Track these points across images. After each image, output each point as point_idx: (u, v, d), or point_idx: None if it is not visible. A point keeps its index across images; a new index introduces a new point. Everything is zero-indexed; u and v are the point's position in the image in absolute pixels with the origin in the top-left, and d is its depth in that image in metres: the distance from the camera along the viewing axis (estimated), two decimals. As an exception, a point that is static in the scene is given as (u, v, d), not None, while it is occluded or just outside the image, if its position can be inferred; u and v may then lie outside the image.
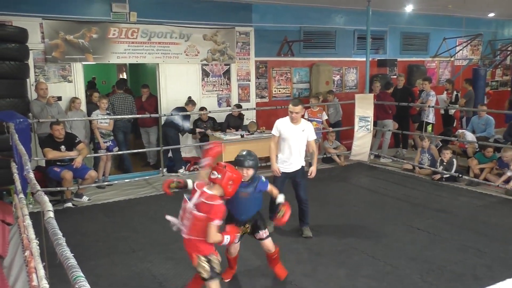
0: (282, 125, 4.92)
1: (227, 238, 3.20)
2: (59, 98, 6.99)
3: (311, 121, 8.68)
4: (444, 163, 7.57)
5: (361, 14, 9.55)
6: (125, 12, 7.71)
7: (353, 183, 7.74)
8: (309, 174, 4.98)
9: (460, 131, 8.65)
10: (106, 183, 7.37)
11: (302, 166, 5.00)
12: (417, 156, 8.25)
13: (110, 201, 6.64)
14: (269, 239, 3.86)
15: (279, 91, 9.76)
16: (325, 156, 8.98)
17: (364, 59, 9.14)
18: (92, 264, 4.36)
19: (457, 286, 3.90)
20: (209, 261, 3.14)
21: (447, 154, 7.56)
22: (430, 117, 9.00)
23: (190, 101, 8.10)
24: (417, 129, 9.41)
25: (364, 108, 8.68)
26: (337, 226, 5.50)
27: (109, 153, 7.38)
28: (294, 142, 4.86)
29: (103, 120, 7.26)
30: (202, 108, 8.33)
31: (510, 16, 12.52)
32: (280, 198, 3.78)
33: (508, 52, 12.34)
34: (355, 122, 8.79)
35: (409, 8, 10.11)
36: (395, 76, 10.76)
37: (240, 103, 8.88)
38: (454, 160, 7.56)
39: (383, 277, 4.10)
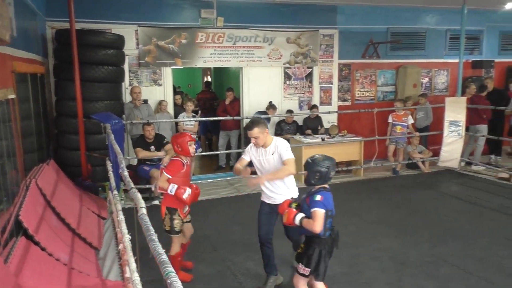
0: (251, 150, 4.01)
1: (172, 186, 3.82)
2: (145, 101, 7.38)
3: (395, 125, 8.40)
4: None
5: (455, 13, 8.99)
6: (213, 17, 7.96)
7: (442, 190, 7.29)
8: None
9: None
10: (191, 182, 7.64)
11: (292, 198, 3.72)
12: (516, 165, 7.60)
13: (194, 200, 6.86)
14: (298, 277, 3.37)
15: (363, 94, 9.50)
16: (409, 161, 8.58)
17: (457, 60, 8.60)
18: (177, 259, 4.52)
19: None
20: (171, 218, 3.89)
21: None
22: None
23: (271, 106, 8.19)
24: (508, 134, 8.72)
25: (456, 112, 8.15)
26: (424, 235, 5.20)
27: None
28: (268, 170, 3.88)
29: (188, 122, 7.56)
30: (289, 111, 8.36)
31: None
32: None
33: None
34: (445, 127, 8.27)
35: (509, 6, 9.33)
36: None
37: (320, 106, 8.78)
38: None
39: (476, 294, 3.82)
